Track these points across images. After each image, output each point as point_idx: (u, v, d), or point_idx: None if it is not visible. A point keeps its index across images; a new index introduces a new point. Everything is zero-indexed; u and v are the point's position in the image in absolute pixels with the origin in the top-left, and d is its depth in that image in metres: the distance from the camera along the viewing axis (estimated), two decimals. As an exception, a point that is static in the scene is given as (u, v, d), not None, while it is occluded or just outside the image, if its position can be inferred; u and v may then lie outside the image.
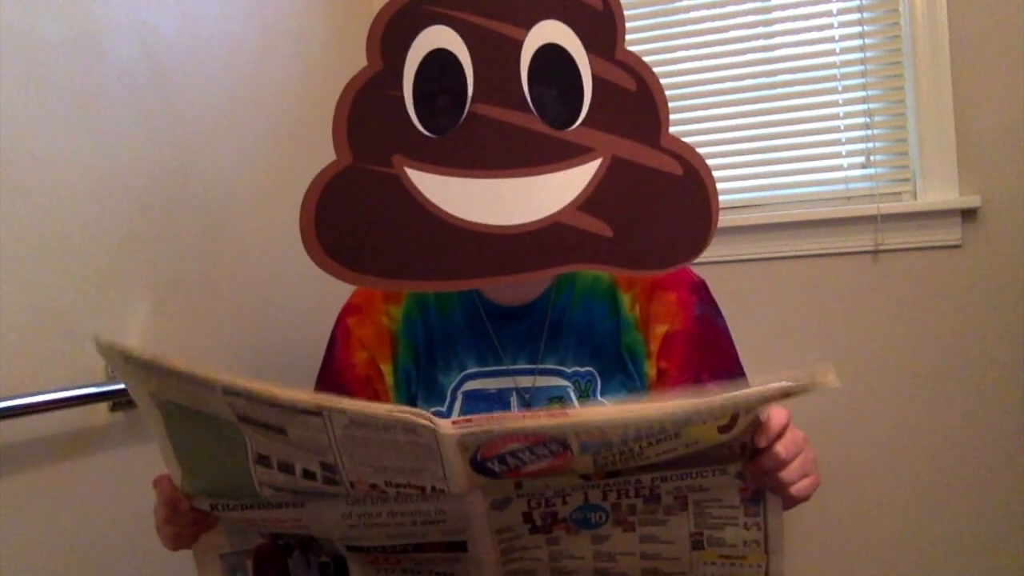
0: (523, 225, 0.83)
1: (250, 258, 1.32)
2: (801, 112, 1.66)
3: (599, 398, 0.92)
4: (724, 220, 1.65)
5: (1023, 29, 1.50)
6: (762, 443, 0.65)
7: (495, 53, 0.83)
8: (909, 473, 1.58)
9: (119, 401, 1.04)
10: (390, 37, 0.84)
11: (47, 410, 0.93)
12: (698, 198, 0.85)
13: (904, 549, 1.59)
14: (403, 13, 0.84)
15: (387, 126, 0.84)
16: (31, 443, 0.94)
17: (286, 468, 0.64)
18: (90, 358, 1.01)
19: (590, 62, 0.84)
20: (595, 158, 0.84)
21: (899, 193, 1.62)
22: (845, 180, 1.65)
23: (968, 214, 1.54)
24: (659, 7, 1.74)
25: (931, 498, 1.57)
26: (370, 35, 0.84)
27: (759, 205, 1.69)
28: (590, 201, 0.84)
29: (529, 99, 0.83)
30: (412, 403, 0.97)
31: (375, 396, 0.96)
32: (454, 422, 0.58)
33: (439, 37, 0.83)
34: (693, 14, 1.73)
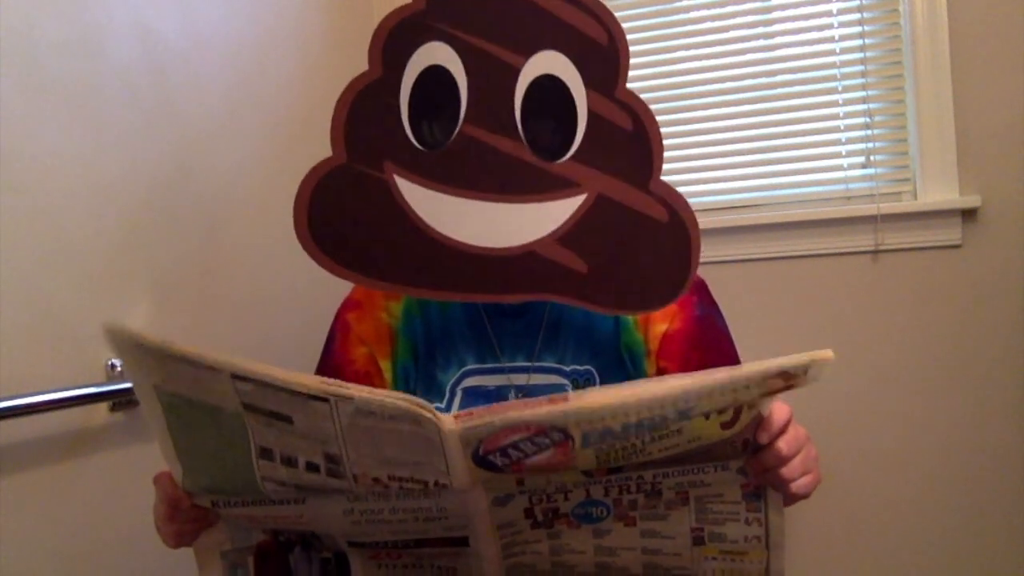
0: (499, 249, 0.83)
1: (250, 258, 1.32)
2: (801, 112, 1.67)
3: (598, 397, 0.92)
4: (724, 220, 1.65)
5: (1023, 29, 1.50)
6: (764, 439, 0.64)
7: (491, 77, 0.83)
8: (909, 472, 1.58)
9: (119, 401, 1.04)
10: (391, 46, 0.85)
11: (47, 410, 0.93)
12: (679, 247, 0.84)
13: (904, 547, 1.59)
14: (406, 24, 0.84)
15: (382, 132, 0.85)
16: (31, 443, 0.94)
17: (289, 461, 0.64)
18: (90, 358, 1.02)
19: (588, 97, 0.84)
20: (580, 193, 0.84)
21: (899, 193, 1.62)
22: (845, 180, 1.65)
23: (968, 214, 1.55)
24: (659, 7, 1.74)
25: (931, 497, 1.57)
26: (372, 42, 0.85)
27: (759, 205, 1.69)
28: (569, 235, 0.84)
29: (520, 127, 0.83)
30: (412, 399, 0.97)
31: (374, 392, 0.96)
32: (456, 416, 0.59)
33: (437, 54, 0.83)
34: (693, 14, 1.73)
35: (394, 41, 0.85)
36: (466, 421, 0.58)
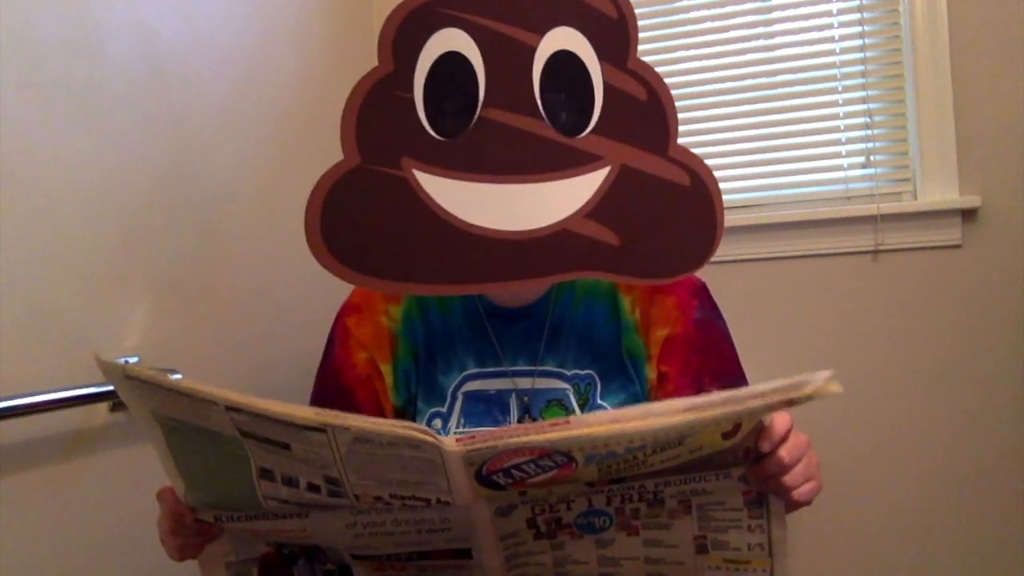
0: (530, 231, 0.83)
1: (250, 258, 1.31)
2: (801, 112, 1.66)
3: (599, 401, 0.92)
4: (724, 220, 1.65)
5: (1023, 29, 1.50)
6: (765, 448, 0.64)
7: (508, 58, 0.83)
8: (910, 473, 1.59)
9: (119, 401, 1.03)
10: (402, 38, 0.84)
11: (47, 410, 0.93)
12: (704, 208, 0.85)
13: (905, 550, 1.59)
14: (416, 15, 0.84)
15: (397, 128, 0.84)
16: (31, 443, 0.94)
17: (290, 482, 0.63)
18: (90, 358, 1.01)
19: (602, 70, 0.84)
20: (604, 166, 0.84)
21: (899, 193, 1.62)
22: (845, 180, 1.65)
23: (968, 214, 1.55)
24: (659, 7, 1.74)
25: (931, 498, 1.58)
26: (382, 36, 0.84)
27: (759, 205, 1.69)
28: (597, 209, 0.84)
29: (540, 105, 0.83)
30: (412, 402, 0.97)
31: (375, 396, 0.96)
32: (458, 439, 0.58)
33: (452, 40, 0.83)
34: (693, 14, 1.73)
35: (405, 33, 0.84)
36: (469, 444, 0.58)
